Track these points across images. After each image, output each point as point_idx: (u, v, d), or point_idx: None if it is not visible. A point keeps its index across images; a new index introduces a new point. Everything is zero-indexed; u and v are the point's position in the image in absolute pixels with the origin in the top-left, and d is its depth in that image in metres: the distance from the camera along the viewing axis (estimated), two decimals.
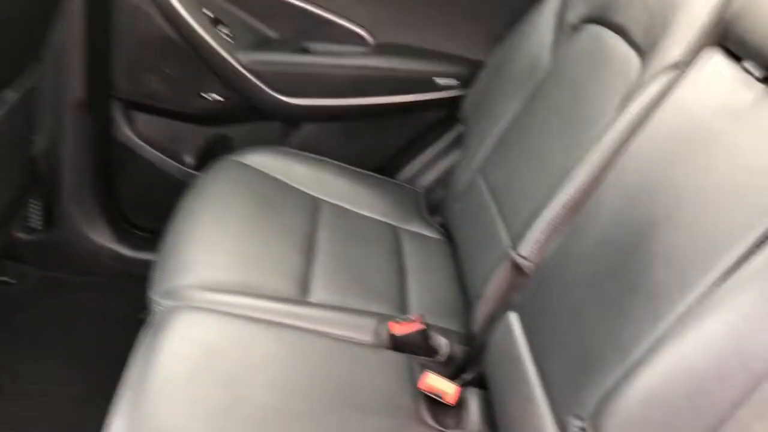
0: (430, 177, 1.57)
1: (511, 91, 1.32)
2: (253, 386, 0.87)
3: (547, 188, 1.02)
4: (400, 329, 1.02)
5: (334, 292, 1.10)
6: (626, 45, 1.04)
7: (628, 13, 1.05)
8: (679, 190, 0.75)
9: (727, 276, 0.64)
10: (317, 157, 1.44)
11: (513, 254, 0.98)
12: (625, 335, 0.72)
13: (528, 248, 0.95)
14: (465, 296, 1.17)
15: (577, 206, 0.91)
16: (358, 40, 1.49)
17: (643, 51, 0.98)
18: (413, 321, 1.03)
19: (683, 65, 0.85)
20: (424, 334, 1.03)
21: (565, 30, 1.24)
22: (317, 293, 1.09)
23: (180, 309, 0.99)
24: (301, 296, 1.08)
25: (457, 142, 1.53)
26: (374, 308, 1.10)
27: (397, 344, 1.01)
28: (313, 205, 1.32)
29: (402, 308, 1.13)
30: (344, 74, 1.46)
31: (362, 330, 1.03)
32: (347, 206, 1.36)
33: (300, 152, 1.44)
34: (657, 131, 0.84)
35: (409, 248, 1.31)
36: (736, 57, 0.80)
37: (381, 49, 1.50)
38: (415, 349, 1.02)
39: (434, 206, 1.51)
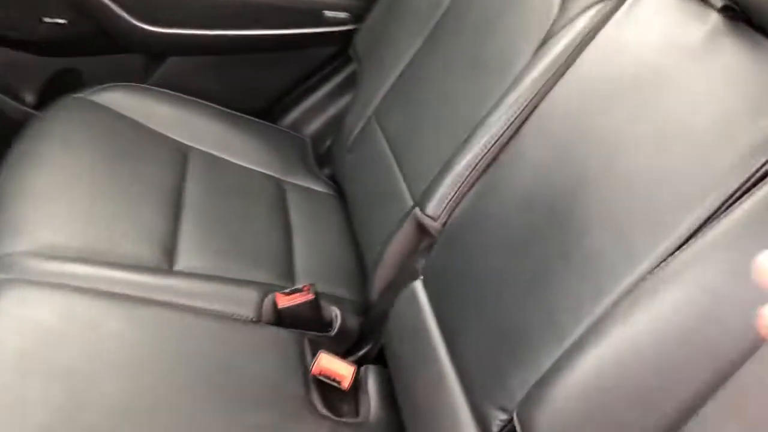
0: (318, 122, 1.39)
1: (409, 25, 1.17)
2: (101, 379, 0.70)
3: (454, 138, 0.89)
4: (287, 300, 0.86)
5: (206, 259, 0.92)
6: None
7: None
8: (616, 142, 0.64)
9: (684, 244, 0.54)
10: (185, 96, 1.23)
11: (417, 213, 0.85)
12: (559, 311, 0.60)
13: (434, 206, 0.82)
14: (360, 260, 1.04)
15: (492, 159, 0.79)
16: None
17: None
18: (302, 291, 0.88)
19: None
20: (314, 305, 0.88)
21: None
22: (185, 260, 0.91)
23: (10, 283, 0.78)
24: (166, 264, 0.89)
25: (349, 84, 1.37)
26: (255, 276, 0.93)
27: (284, 318, 0.86)
28: (179, 153, 1.11)
29: (288, 275, 0.97)
30: (215, 2, 1.24)
31: (241, 303, 0.86)
32: (221, 155, 1.17)
33: (164, 90, 1.23)
34: (587, 73, 0.72)
35: (294, 204, 1.14)
36: None
37: None
38: (305, 322, 0.88)
39: (323, 156, 1.35)
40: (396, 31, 1.21)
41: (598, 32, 0.73)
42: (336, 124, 1.37)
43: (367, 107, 1.18)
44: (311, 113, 1.39)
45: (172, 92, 1.23)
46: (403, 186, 0.98)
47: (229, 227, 1.00)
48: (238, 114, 1.28)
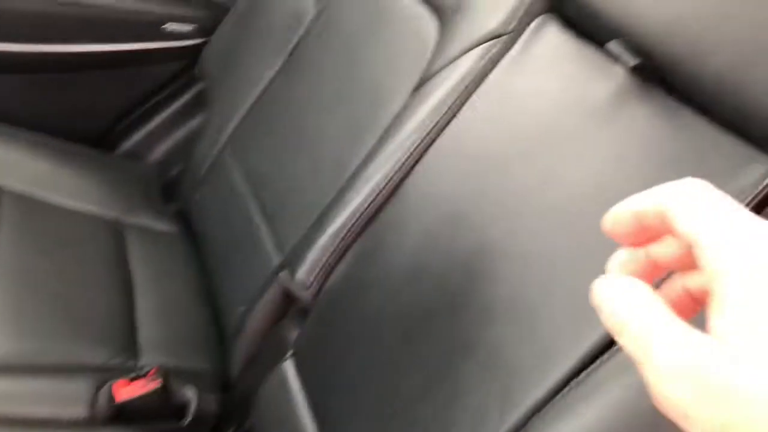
0: (163, 148, 1.22)
1: (265, 44, 1.03)
2: None
3: (324, 186, 0.78)
4: (127, 392, 0.71)
5: (20, 342, 0.74)
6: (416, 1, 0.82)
7: None
8: (518, 209, 0.56)
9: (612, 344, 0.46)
10: None
11: (284, 277, 0.72)
12: (462, 410, 0.51)
13: (305, 273, 0.70)
14: (219, 321, 0.90)
15: (371, 218, 0.68)
16: None
17: (441, 10, 0.77)
18: (146, 376, 0.73)
19: (506, 38, 0.65)
20: (161, 393, 0.73)
21: None
22: None
23: None
24: None
25: (199, 103, 1.20)
26: (87, 358, 0.77)
27: (124, 413, 0.71)
28: None
29: (129, 349, 0.81)
30: (32, 10, 1.03)
31: (69, 401, 0.70)
32: (42, 195, 0.97)
33: None
34: (475, 126, 0.63)
35: (136, 252, 0.97)
36: (585, 32, 0.61)
37: None
38: (151, 414, 0.73)
39: (170, 186, 1.18)
40: (250, 49, 1.07)
41: (485, 77, 0.64)
42: (184, 148, 1.20)
43: (220, 135, 1.03)
44: (155, 137, 1.21)
45: None
46: (267, 237, 0.85)
47: (50, 293, 0.82)
48: (66, 143, 1.08)
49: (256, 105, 1.00)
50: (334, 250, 0.69)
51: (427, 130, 0.66)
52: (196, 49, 1.16)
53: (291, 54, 0.98)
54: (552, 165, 0.54)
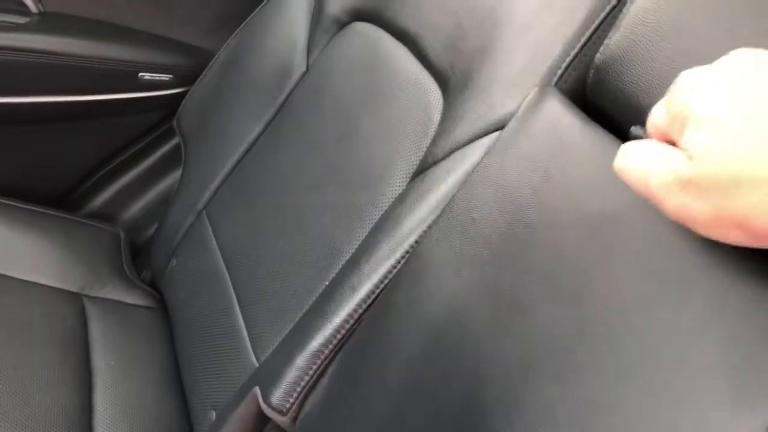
0: (134, 209, 1.11)
1: (249, 101, 0.93)
2: None
3: (305, 282, 0.68)
4: None
5: None
6: (418, 65, 0.72)
7: (418, 19, 0.73)
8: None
9: None
10: None
11: (259, 397, 0.62)
12: None
13: (281, 396, 0.59)
14: (188, 424, 0.79)
15: (351, 335, 0.58)
16: (15, 6, 0.96)
17: (444, 81, 0.67)
18: None
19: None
20: None
21: (325, 24, 0.89)
22: None
23: None
24: None
25: (172, 160, 1.10)
26: None
27: None
28: None
29: None
30: None
31: None
32: None
33: None
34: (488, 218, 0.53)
35: (100, 333, 0.87)
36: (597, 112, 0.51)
37: (50, 23, 0.98)
38: None
39: (141, 251, 1.08)
40: (232, 104, 0.97)
41: (501, 163, 0.54)
42: (159, 209, 1.10)
43: (196, 201, 0.93)
44: (125, 197, 1.11)
45: None
46: (243, 330, 0.74)
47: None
48: (20, 205, 0.97)
49: (236, 169, 0.90)
50: (316, 371, 0.58)
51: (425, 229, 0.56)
52: (173, 100, 1.06)
53: (277, 114, 0.88)
54: (549, 291, 0.44)
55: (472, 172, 0.53)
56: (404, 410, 0.47)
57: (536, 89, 0.52)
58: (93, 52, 0.99)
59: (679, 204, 0.30)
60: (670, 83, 0.33)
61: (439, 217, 0.54)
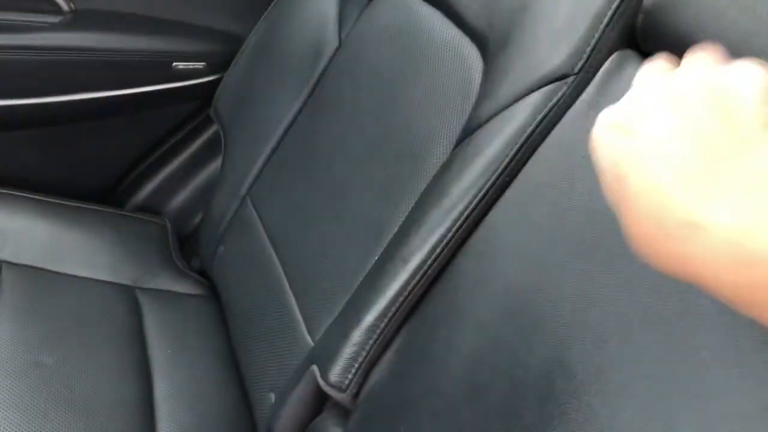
0: (178, 200, 1.12)
1: (284, 82, 0.93)
2: None
3: (354, 257, 0.67)
4: None
5: None
6: (453, 27, 0.70)
7: None
8: (602, 316, 0.44)
9: None
10: None
11: (316, 375, 0.61)
12: None
13: (339, 373, 0.58)
14: (247, 407, 0.79)
15: (413, 308, 0.57)
16: (47, 6, 0.96)
17: (484, 43, 0.65)
18: None
19: (574, 80, 0.52)
20: None
21: None
22: None
23: None
24: None
25: (213, 148, 1.10)
26: None
27: None
28: None
29: None
30: (25, 60, 0.94)
31: None
32: (45, 266, 0.88)
33: None
34: (542, 191, 0.51)
35: (154, 323, 0.88)
36: None
37: (82, 21, 0.97)
38: None
39: (188, 239, 1.08)
40: (267, 86, 0.96)
41: (550, 129, 0.52)
42: (202, 197, 1.10)
43: (240, 184, 0.93)
44: (169, 188, 1.11)
45: None
46: (296, 310, 0.74)
47: (59, 389, 0.73)
48: (69, 203, 0.98)
49: (276, 151, 0.89)
50: (372, 346, 0.57)
51: (479, 196, 0.54)
52: (209, 88, 1.06)
53: (313, 91, 0.87)
54: None
55: (545, 137, 0.52)
56: (480, 377, 0.46)
57: (616, 54, 0.50)
58: (126, 46, 0.99)
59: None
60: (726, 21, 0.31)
61: (508, 183, 0.53)
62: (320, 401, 0.65)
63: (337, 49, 0.87)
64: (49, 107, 0.99)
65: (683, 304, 0.39)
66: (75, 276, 0.89)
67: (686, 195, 0.26)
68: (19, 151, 1.03)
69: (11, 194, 0.94)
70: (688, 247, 0.26)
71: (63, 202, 0.98)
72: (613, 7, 0.50)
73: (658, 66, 0.34)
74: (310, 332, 0.71)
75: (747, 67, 0.29)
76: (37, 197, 0.96)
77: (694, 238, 0.26)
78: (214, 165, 1.10)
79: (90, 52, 0.97)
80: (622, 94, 0.48)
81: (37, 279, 0.86)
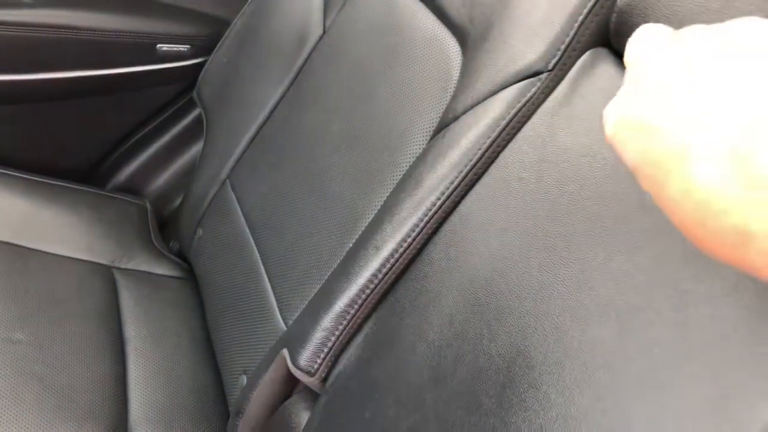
0: (159, 182, 1.12)
1: (268, 67, 0.93)
2: None
3: (329, 245, 0.68)
4: None
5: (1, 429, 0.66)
6: (435, 20, 0.71)
7: None
8: (562, 309, 0.45)
9: None
10: None
11: (287, 360, 0.62)
12: None
13: (308, 358, 0.59)
14: (219, 390, 0.80)
15: (384, 294, 0.57)
16: None
17: (463, 36, 0.66)
18: None
19: (547, 76, 0.53)
20: None
21: None
22: None
23: None
24: None
25: (195, 131, 1.10)
26: None
27: None
28: None
29: (120, 425, 0.72)
30: (9, 37, 0.93)
31: None
32: (21, 243, 0.88)
33: None
34: (510, 187, 0.52)
35: (131, 304, 0.88)
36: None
37: None
38: None
39: (168, 221, 1.09)
40: (251, 71, 0.96)
41: (521, 125, 0.53)
42: (184, 179, 1.11)
43: (220, 169, 0.93)
44: (150, 169, 1.11)
45: None
46: (271, 295, 0.75)
47: (35, 366, 0.73)
48: (48, 181, 0.98)
49: (258, 137, 0.90)
50: (342, 332, 0.58)
51: (452, 188, 0.55)
52: (192, 71, 1.06)
53: (295, 78, 0.88)
54: (609, 252, 0.43)
55: (517, 131, 0.53)
56: (446, 364, 0.47)
57: (589, 52, 0.51)
58: (110, 26, 0.99)
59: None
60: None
61: (480, 175, 0.54)
62: (290, 385, 0.65)
63: (321, 37, 0.87)
64: (31, 84, 0.99)
65: (640, 300, 0.40)
66: (52, 254, 0.89)
67: (736, 201, 0.23)
68: None
69: None
70: (739, 251, 0.24)
71: (42, 179, 0.98)
72: (589, 5, 0.51)
73: (652, 32, 0.30)
74: (283, 316, 0.72)
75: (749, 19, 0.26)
76: (15, 173, 0.96)
77: (749, 245, 0.24)
78: (196, 148, 1.10)
79: (73, 30, 0.96)
80: (595, 92, 0.49)
81: (13, 256, 0.86)
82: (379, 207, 0.65)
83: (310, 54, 0.87)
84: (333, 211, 0.71)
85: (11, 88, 0.97)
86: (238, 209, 0.88)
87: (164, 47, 1.02)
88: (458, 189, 0.54)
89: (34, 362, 0.74)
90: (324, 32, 0.87)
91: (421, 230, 0.56)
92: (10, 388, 0.70)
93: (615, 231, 0.43)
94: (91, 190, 1.02)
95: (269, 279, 0.76)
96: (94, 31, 0.97)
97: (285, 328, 0.70)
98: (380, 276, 0.57)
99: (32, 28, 0.94)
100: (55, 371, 0.74)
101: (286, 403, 0.66)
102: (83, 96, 1.04)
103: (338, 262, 0.67)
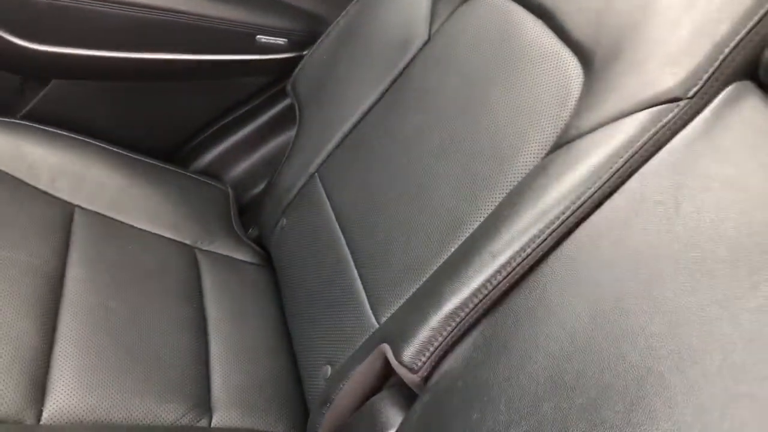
0: (242, 167, 1.14)
1: (367, 68, 0.94)
2: None
3: (428, 248, 0.69)
4: None
5: (86, 395, 0.67)
6: (554, 38, 0.72)
7: None
8: (698, 347, 0.45)
9: None
10: (69, 134, 0.95)
11: (387, 354, 0.63)
12: None
13: (412, 354, 0.60)
14: (299, 376, 0.81)
15: (496, 301, 0.58)
16: None
17: (586, 54, 0.67)
18: None
19: (686, 104, 0.54)
20: None
21: None
22: (57, 400, 0.66)
23: None
24: (32, 409, 0.64)
25: (283, 121, 1.13)
26: (156, 415, 0.69)
27: None
28: (61, 218, 0.85)
29: (202, 405, 0.74)
30: (118, 16, 0.96)
31: None
32: (114, 215, 0.91)
33: (40, 127, 0.94)
34: (642, 210, 0.53)
35: (212, 284, 0.90)
36: None
37: None
38: None
39: (248, 209, 1.11)
40: (349, 70, 0.98)
41: (657, 150, 0.54)
42: (265, 169, 1.13)
43: (311, 161, 0.95)
44: (233, 155, 1.14)
45: (52, 129, 0.94)
46: (361, 290, 0.76)
47: (122, 336, 0.75)
48: (139, 158, 1.01)
49: (351, 135, 0.91)
50: (450, 332, 0.59)
51: (579, 202, 0.56)
52: (286, 64, 1.08)
53: (395, 81, 0.89)
54: (754, 282, 0.43)
55: (652, 155, 0.53)
56: (566, 376, 0.48)
57: (735, 84, 0.52)
58: (215, 13, 1.02)
59: None
60: None
61: (609, 194, 0.55)
62: (382, 380, 0.66)
63: (425, 43, 0.88)
64: (133, 63, 1.01)
65: None
66: (140, 229, 0.92)
67: None
68: (95, 102, 1.05)
69: (88, 142, 0.97)
70: None
71: (134, 156, 1.00)
72: (737, 38, 0.52)
73: None
74: (374, 313, 0.73)
75: None
76: (112, 148, 0.99)
77: None
78: (280, 139, 1.12)
79: (181, 14, 0.99)
80: (741, 123, 0.50)
81: (107, 227, 0.89)
82: (485, 214, 0.66)
83: (412, 59, 0.88)
84: (431, 215, 0.72)
85: (114, 66, 1.00)
86: (328, 204, 0.89)
87: (263, 39, 1.04)
88: (585, 204, 0.55)
89: (126, 332, 0.76)
90: (429, 39, 0.88)
91: (543, 241, 0.56)
92: (103, 354, 0.72)
93: (761, 262, 0.43)
94: (178, 170, 1.04)
95: (360, 275, 0.77)
96: (200, 16, 1.00)
97: (376, 324, 0.72)
98: (494, 282, 0.58)
99: (141, 9, 0.97)
100: (144, 342, 0.76)
101: (375, 397, 0.67)
102: (177, 78, 1.06)
103: (438, 264, 0.68)
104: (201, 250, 0.95)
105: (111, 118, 1.06)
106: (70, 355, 0.69)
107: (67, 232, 0.83)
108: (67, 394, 0.66)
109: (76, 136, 0.95)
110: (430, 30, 0.89)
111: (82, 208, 0.88)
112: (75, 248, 0.82)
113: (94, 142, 0.97)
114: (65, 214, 0.85)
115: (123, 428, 0.66)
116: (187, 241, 0.95)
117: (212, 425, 0.72)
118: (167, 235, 0.94)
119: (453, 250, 0.67)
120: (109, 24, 0.97)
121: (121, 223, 0.91)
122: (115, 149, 0.98)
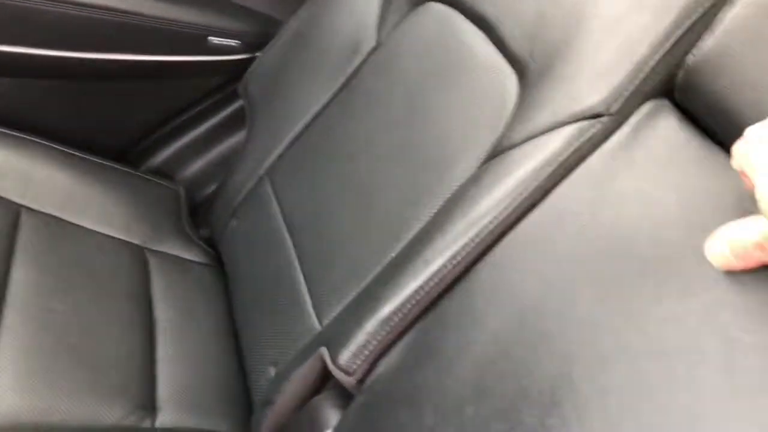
0: (194, 167, 1.15)
1: (318, 71, 0.96)
2: None
3: (370, 253, 0.71)
4: None
5: (32, 394, 0.68)
6: (494, 50, 0.74)
7: (498, 5, 0.75)
8: (611, 345, 0.48)
9: None
10: (16, 134, 0.95)
11: (325, 357, 0.65)
12: None
13: (348, 357, 0.62)
14: (244, 377, 0.83)
15: (427, 307, 0.60)
16: None
17: (522, 68, 0.69)
18: None
19: (608, 120, 0.56)
20: None
21: (398, 2, 0.91)
22: None
23: None
24: None
25: (235, 122, 1.13)
26: (99, 415, 0.70)
27: None
28: (8, 217, 0.85)
29: (147, 405, 0.75)
30: (66, 15, 0.95)
31: None
32: (63, 216, 0.90)
33: None
34: (564, 220, 0.55)
35: (161, 285, 0.91)
36: (707, 130, 0.53)
37: None
38: None
39: (199, 209, 1.11)
40: (300, 72, 0.99)
41: (579, 163, 0.56)
42: (218, 169, 1.13)
43: (261, 163, 0.96)
44: (186, 155, 1.14)
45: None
46: (306, 293, 0.78)
47: (68, 337, 0.75)
48: (89, 157, 1.00)
49: (300, 138, 0.93)
50: (384, 338, 0.61)
51: (507, 212, 0.58)
52: (238, 65, 1.08)
53: (345, 85, 0.91)
54: (659, 295, 0.46)
55: (574, 168, 0.56)
56: (489, 380, 0.50)
57: (652, 101, 0.54)
58: (165, 14, 1.02)
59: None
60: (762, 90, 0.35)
61: (534, 204, 0.57)
62: (322, 382, 0.68)
63: (374, 49, 0.90)
64: (85, 63, 1.01)
65: (688, 341, 0.43)
66: (89, 230, 0.92)
67: None
68: (44, 101, 1.05)
69: (35, 141, 0.96)
70: None
71: (83, 155, 1.00)
72: (656, 58, 0.54)
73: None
74: (318, 316, 0.74)
75: None
76: (60, 147, 0.98)
77: None
78: (233, 139, 1.13)
79: (128, 14, 0.99)
80: (656, 139, 0.53)
81: (55, 228, 0.88)
82: (425, 221, 0.68)
83: (361, 64, 0.90)
84: (376, 220, 0.74)
85: (62, 65, 1.00)
86: (275, 205, 0.90)
87: (215, 40, 1.04)
88: (512, 214, 0.58)
89: (70, 334, 0.77)
90: (378, 44, 0.90)
91: (472, 249, 0.59)
92: (45, 356, 0.72)
93: (668, 276, 0.46)
94: (128, 170, 1.04)
95: (304, 277, 0.79)
96: (148, 17, 1.00)
97: (319, 327, 0.73)
98: (427, 288, 0.60)
99: (91, 9, 0.97)
100: (88, 344, 0.77)
101: (315, 398, 0.69)
102: (128, 79, 1.06)
103: (379, 269, 0.70)
104: (151, 250, 0.96)
105: (60, 117, 1.05)
106: (11, 358, 0.70)
107: (12, 233, 0.83)
108: (6, 396, 0.66)
109: (23, 135, 0.95)
110: (379, 36, 0.91)
111: (29, 209, 0.88)
112: (21, 250, 0.82)
113: (41, 141, 0.96)
114: (11, 215, 0.85)
115: (63, 429, 0.66)
116: (137, 242, 0.95)
117: (156, 425, 0.73)
118: (117, 235, 0.94)
119: (393, 255, 0.69)
120: (57, 23, 0.97)
121: (70, 223, 0.91)
122: (63, 148, 0.98)
